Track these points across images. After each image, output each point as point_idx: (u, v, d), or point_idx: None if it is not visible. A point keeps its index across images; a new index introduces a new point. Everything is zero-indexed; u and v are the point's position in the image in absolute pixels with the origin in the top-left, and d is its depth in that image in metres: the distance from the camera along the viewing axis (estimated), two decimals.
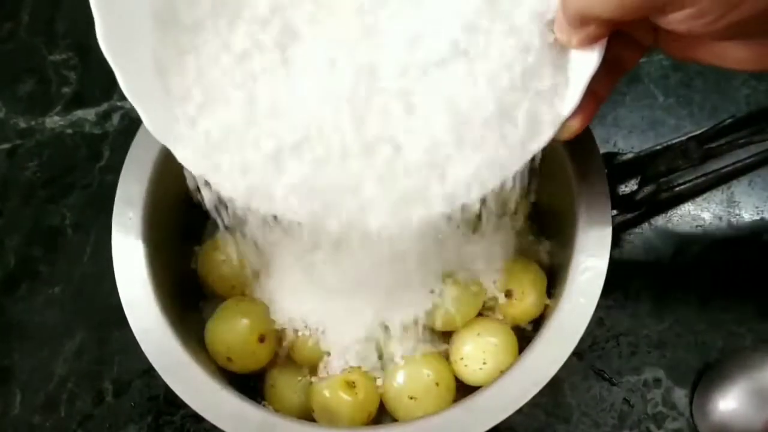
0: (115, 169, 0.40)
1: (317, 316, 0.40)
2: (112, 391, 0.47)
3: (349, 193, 0.28)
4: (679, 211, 0.50)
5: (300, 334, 0.40)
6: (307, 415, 0.40)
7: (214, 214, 0.31)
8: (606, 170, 0.39)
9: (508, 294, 0.41)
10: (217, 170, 0.28)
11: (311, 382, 0.40)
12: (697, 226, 0.49)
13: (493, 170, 0.29)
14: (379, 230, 0.28)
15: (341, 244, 0.30)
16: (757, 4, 0.22)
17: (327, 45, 0.28)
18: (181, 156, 0.28)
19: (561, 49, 0.28)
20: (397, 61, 0.28)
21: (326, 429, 0.38)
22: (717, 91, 0.53)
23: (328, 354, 0.40)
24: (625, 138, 0.52)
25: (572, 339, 0.35)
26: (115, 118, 0.55)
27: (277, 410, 0.40)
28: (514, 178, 0.30)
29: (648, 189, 0.45)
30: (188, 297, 0.44)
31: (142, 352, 0.36)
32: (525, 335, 0.41)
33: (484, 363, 0.39)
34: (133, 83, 0.27)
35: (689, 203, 0.50)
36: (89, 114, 0.55)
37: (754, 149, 0.49)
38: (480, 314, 0.42)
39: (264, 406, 0.39)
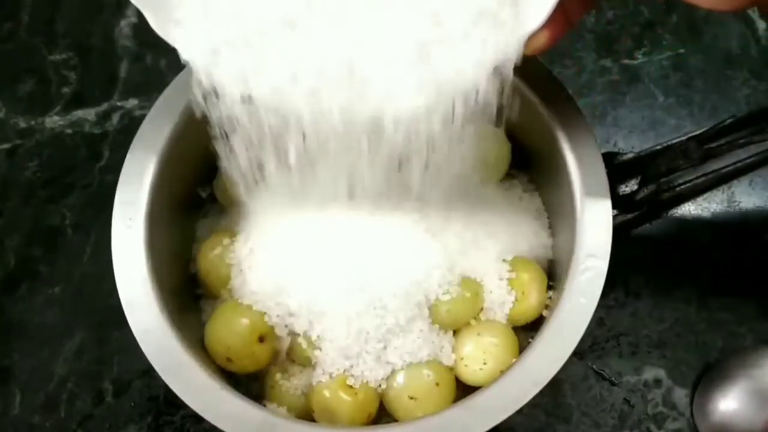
0: (115, 169, 0.40)
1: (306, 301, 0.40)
2: (112, 392, 0.47)
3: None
4: (679, 211, 0.50)
5: (292, 330, 0.40)
6: (307, 415, 0.40)
7: (216, 118, 0.32)
8: (606, 170, 0.39)
9: (509, 294, 0.41)
10: (219, 64, 0.29)
11: (311, 383, 0.40)
12: (697, 226, 0.49)
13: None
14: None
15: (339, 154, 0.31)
16: None
17: None
18: (186, 54, 0.29)
19: None
20: None
21: (326, 429, 0.38)
22: (717, 91, 0.53)
23: (319, 349, 0.40)
24: (625, 138, 0.52)
25: (572, 339, 0.35)
26: (115, 118, 0.55)
27: (277, 410, 0.40)
28: (477, 91, 0.30)
29: (648, 189, 0.45)
30: (188, 297, 0.44)
31: (141, 353, 0.36)
32: (525, 335, 0.41)
33: (484, 363, 0.39)
34: None
35: (689, 203, 0.50)
36: (89, 114, 0.55)
37: (754, 149, 0.49)
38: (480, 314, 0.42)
39: (264, 406, 0.39)
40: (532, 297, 0.41)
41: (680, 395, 0.45)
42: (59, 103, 0.56)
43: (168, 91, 0.41)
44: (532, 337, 0.38)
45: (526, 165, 0.46)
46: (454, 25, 0.29)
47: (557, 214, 0.43)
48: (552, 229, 0.44)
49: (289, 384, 0.41)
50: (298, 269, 0.39)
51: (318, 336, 0.39)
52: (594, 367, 0.46)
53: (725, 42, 0.55)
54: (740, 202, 0.50)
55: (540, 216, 0.44)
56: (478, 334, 0.40)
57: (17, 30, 0.59)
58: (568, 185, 0.39)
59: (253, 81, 0.29)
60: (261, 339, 0.39)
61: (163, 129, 0.40)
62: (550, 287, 0.42)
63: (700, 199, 0.50)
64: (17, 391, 0.47)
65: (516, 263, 0.42)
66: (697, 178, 0.49)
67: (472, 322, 0.41)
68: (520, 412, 0.34)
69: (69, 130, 0.55)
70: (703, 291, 0.48)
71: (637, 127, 0.53)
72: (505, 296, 0.41)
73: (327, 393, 0.39)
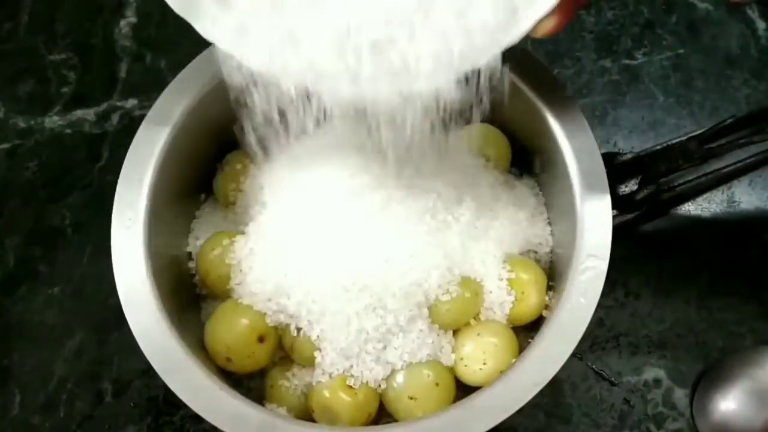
0: (114, 169, 0.40)
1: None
2: (111, 392, 0.47)
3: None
4: (679, 211, 0.50)
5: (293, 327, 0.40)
6: (307, 415, 0.40)
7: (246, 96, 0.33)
8: (606, 170, 0.39)
9: (509, 294, 0.41)
10: (245, 46, 0.31)
11: (311, 382, 0.40)
12: (697, 226, 0.49)
13: (466, 55, 0.30)
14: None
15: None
16: None
17: None
18: (211, 36, 0.31)
19: None
20: None
21: (326, 429, 0.38)
22: (717, 91, 0.53)
23: (319, 350, 0.40)
24: (625, 138, 0.52)
25: (572, 339, 0.35)
26: (115, 118, 0.55)
27: (277, 410, 0.40)
28: (479, 73, 0.31)
29: (648, 189, 0.45)
30: (188, 297, 0.44)
31: (141, 353, 0.36)
32: (525, 335, 0.41)
33: (484, 363, 0.39)
34: None
35: (690, 203, 0.50)
36: (89, 114, 0.55)
37: (754, 149, 0.49)
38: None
39: (264, 406, 0.39)
40: (532, 297, 0.41)
41: (680, 395, 0.45)
42: (59, 103, 0.56)
43: (168, 91, 0.41)
44: (532, 337, 0.38)
45: (526, 165, 0.46)
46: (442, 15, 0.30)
47: (557, 214, 0.43)
48: (552, 228, 0.44)
49: (289, 384, 0.41)
50: (298, 269, 0.39)
51: (318, 336, 0.39)
52: (594, 367, 0.46)
53: (725, 42, 0.55)
54: (740, 202, 0.50)
55: (541, 217, 0.44)
56: (478, 334, 0.40)
57: (17, 30, 0.59)
58: (568, 185, 0.39)
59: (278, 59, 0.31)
60: (261, 339, 0.39)
61: (163, 129, 0.40)
62: (550, 287, 0.42)
63: (700, 199, 0.50)
64: (17, 391, 0.47)
65: (516, 263, 0.42)
66: (697, 178, 0.49)
67: (472, 322, 0.41)
68: (520, 412, 0.34)
69: (69, 130, 0.55)
70: (703, 291, 0.48)
71: (637, 127, 0.53)
72: (504, 296, 0.41)
73: (327, 393, 0.39)
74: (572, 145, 0.39)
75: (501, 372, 0.37)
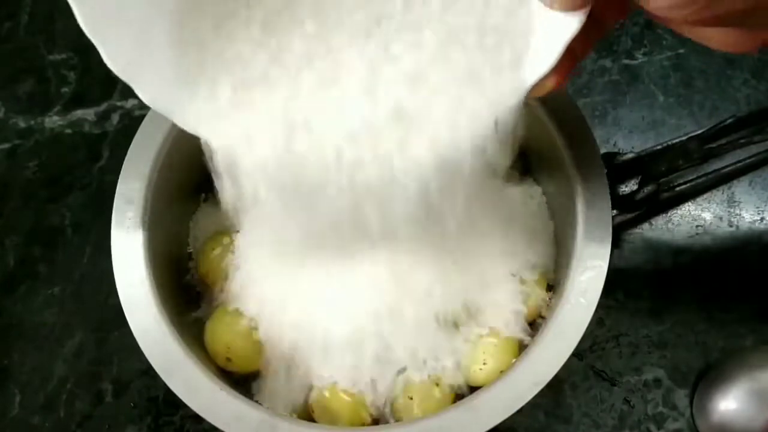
0: (114, 169, 0.40)
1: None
2: (111, 392, 0.47)
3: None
4: (679, 211, 0.50)
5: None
6: (307, 415, 0.40)
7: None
8: (606, 170, 0.39)
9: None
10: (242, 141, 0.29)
11: (311, 383, 0.40)
12: (697, 226, 0.49)
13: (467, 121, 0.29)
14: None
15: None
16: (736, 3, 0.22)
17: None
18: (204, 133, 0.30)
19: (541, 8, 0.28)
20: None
21: (326, 429, 0.38)
22: (717, 91, 0.53)
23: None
24: (625, 138, 0.52)
25: (572, 339, 0.35)
26: (115, 118, 0.55)
27: (276, 410, 0.40)
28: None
29: (648, 189, 0.45)
30: (188, 297, 0.44)
31: (141, 353, 0.36)
32: (525, 335, 0.41)
33: (484, 363, 0.39)
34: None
35: (690, 203, 0.50)
36: (88, 114, 0.55)
37: (754, 149, 0.49)
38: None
39: (263, 406, 0.39)
40: (531, 300, 0.41)
41: (680, 395, 0.45)
42: (59, 103, 0.56)
43: None
44: (532, 337, 0.38)
45: (527, 165, 0.46)
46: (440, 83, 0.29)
47: (557, 214, 0.43)
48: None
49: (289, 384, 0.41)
50: (296, 278, 0.39)
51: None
52: (594, 367, 0.46)
53: None
54: (741, 202, 0.50)
55: (547, 225, 0.43)
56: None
57: (16, 29, 0.59)
58: (568, 185, 0.39)
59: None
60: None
61: (163, 129, 0.40)
62: (549, 287, 0.42)
63: (700, 199, 0.50)
64: (17, 391, 0.47)
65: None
66: (697, 178, 0.49)
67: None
68: (520, 412, 0.34)
69: (68, 130, 0.55)
70: (703, 291, 0.48)
71: (637, 127, 0.53)
72: (508, 304, 0.40)
73: (327, 393, 0.39)
74: (572, 145, 0.39)
75: (501, 372, 0.37)
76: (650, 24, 0.56)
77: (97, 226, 0.51)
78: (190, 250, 0.44)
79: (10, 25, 0.59)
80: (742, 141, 0.48)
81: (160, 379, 0.35)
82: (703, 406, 0.44)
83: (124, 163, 0.40)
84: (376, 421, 0.40)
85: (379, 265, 0.37)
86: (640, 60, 0.55)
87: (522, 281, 0.40)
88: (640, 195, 0.45)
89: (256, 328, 0.39)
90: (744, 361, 0.44)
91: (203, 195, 0.46)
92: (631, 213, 0.47)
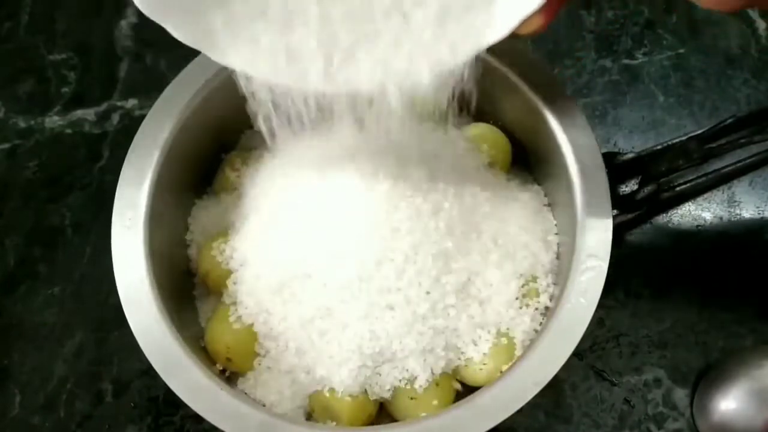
0: (114, 169, 0.40)
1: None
2: (111, 392, 0.47)
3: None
4: (679, 211, 0.50)
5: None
6: (307, 415, 0.40)
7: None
8: (606, 170, 0.39)
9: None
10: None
11: (311, 383, 0.40)
12: (697, 225, 0.49)
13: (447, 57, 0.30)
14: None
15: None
16: None
17: None
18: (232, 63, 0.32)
19: None
20: None
21: (326, 429, 0.38)
22: (717, 91, 0.53)
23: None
24: (625, 138, 0.52)
25: (572, 339, 0.35)
26: (115, 118, 0.55)
27: (277, 410, 0.40)
28: (463, 70, 0.31)
29: (648, 189, 0.45)
30: (188, 297, 0.44)
31: (141, 353, 0.36)
32: (525, 335, 0.41)
33: (484, 363, 0.39)
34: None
35: (690, 203, 0.50)
36: (89, 114, 0.55)
37: (755, 149, 0.49)
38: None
39: (264, 406, 0.39)
40: (531, 300, 0.41)
41: (680, 395, 0.45)
42: (59, 103, 0.56)
43: (168, 91, 0.41)
44: (532, 338, 0.38)
45: (526, 165, 0.46)
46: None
47: (557, 214, 0.43)
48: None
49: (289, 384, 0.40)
50: (295, 277, 0.39)
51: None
52: (594, 367, 0.46)
53: (725, 42, 0.55)
54: (741, 201, 0.50)
55: (547, 224, 0.43)
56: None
57: (17, 29, 0.59)
58: (568, 185, 0.39)
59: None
60: None
61: (163, 129, 0.40)
62: (550, 287, 0.42)
63: (700, 199, 0.50)
64: (17, 391, 0.47)
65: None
66: (697, 178, 0.49)
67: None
68: (520, 412, 0.34)
69: (69, 130, 0.55)
70: (704, 291, 0.48)
71: (638, 127, 0.53)
72: (508, 303, 0.40)
73: (327, 393, 0.39)
74: (572, 145, 0.39)
75: (501, 372, 0.37)
76: (650, 24, 0.56)
77: (97, 226, 0.51)
78: (191, 251, 0.44)
79: (10, 25, 0.59)
80: (742, 141, 0.48)
81: (160, 379, 0.35)
82: (703, 406, 0.44)
83: (124, 163, 0.40)
84: (376, 421, 0.40)
85: (381, 262, 0.37)
86: (640, 60, 0.55)
87: (522, 281, 0.40)
88: (641, 195, 0.45)
89: (256, 329, 0.39)
90: (744, 361, 0.44)
91: (204, 195, 0.46)
92: (631, 213, 0.47)
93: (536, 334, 0.39)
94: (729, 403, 0.42)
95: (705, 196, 0.50)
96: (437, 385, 0.39)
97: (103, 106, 0.55)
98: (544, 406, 0.45)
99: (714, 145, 0.47)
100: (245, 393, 0.40)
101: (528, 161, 0.45)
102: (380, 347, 0.37)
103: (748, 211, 0.50)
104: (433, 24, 0.30)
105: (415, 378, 0.38)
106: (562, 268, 0.40)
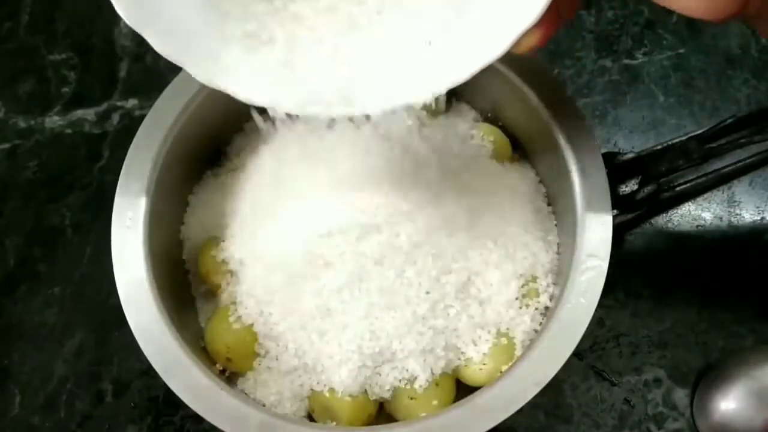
0: (114, 169, 0.40)
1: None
2: (111, 392, 0.47)
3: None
4: (679, 211, 0.50)
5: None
6: (307, 415, 0.40)
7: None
8: (606, 170, 0.39)
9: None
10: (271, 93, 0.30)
11: (311, 383, 0.40)
12: (697, 226, 0.49)
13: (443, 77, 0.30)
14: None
15: None
16: None
17: None
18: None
19: None
20: None
21: (326, 429, 0.38)
22: (718, 91, 0.53)
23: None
24: (625, 138, 0.52)
25: (572, 339, 0.35)
26: (115, 118, 0.55)
27: (277, 410, 0.40)
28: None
29: (648, 189, 0.45)
30: (188, 297, 0.44)
31: (141, 353, 0.36)
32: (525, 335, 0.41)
33: (484, 363, 0.39)
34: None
35: (690, 203, 0.50)
36: (89, 114, 0.55)
37: (755, 149, 0.49)
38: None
39: (263, 406, 0.39)
40: (531, 300, 0.41)
41: (680, 395, 0.45)
42: (59, 103, 0.56)
43: (168, 91, 0.41)
44: (532, 338, 0.38)
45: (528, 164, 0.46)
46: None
47: (557, 214, 0.43)
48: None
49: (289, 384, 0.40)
50: (293, 277, 0.39)
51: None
52: (594, 367, 0.46)
53: (725, 42, 0.55)
54: (741, 202, 0.50)
55: (548, 224, 0.43)
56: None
57: (17, 29, 0.59)
58: (568, 185, 0.39)
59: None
60: None
61: (163, 129, 0.40)
62: (550, 287, 0.42)
63: (700, 199, 0.50)
64: (17, 391, 0.47)
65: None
66: (697, 178, 0.49)
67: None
68: (520, 412, 0.34)
69: (69, 130, 0.55)
70: (704, 291, 0.48)
71: (638, 127, 0.53)
72: (508, 304, 0.40)
73: (327, 393, 0.39)
74: (572, 145, 0.39)
75: (501, 372, 0.37)
76: (650, 24, 0.56)
77: (97, 226, 0.51)
78: (186, 249, 0.44)
79: (10, 25, 0.59)
80: (742, 141, 0.48)
81: (160, 379, 0.35)
82: (703, 406, 0.44)
83: (124, 163, 0.40)
84: (376, 421, 0.40)
85: (380, 263, 0.37)
86: (640, 60, 0.55)
87: (522, 281, 0.40)
88: (641, 195, 0.45)
89: (256, 329, 0.39)
90: (744, 361, 0.44)
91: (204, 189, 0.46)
92: (631, 213, 0.47)
93: (536, 334, 0.38)
94: (729, 403, 0.42)
95: (705, 196, 0.50)
96: (437, 385, 0.39)
97: (103, 106, 0.55)
98: (544, 406, 0.45)
99: (714, 145, 0.47)
100: (245, 393, 0.40)
101: (528, 161, 0.45)
102: (380, 347, 0.37)
103: (748, 211, 0.50)
104: (439, 42, 0.29)
105: (415, 378, 0.38)
106: (562, 268, 0.40)
